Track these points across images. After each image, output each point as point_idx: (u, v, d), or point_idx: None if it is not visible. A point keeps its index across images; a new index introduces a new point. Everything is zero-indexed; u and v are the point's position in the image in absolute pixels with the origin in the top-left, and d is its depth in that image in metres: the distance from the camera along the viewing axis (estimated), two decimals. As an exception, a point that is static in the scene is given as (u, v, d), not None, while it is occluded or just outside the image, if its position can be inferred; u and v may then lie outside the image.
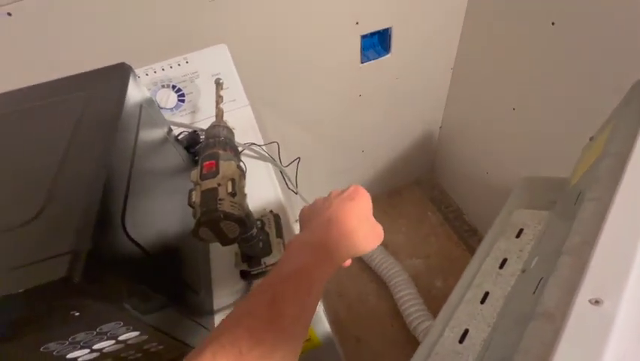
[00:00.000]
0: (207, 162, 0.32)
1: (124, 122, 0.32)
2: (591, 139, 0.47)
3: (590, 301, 0.24)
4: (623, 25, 0.53)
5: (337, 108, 0.94)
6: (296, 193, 0.67)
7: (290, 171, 0.70)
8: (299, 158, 0.71)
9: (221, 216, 0.29)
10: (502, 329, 0.37)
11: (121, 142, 0.31)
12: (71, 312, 0.22)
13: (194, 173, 0.32)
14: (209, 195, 0.30)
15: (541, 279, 0.32)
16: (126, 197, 0.29)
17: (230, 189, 0.30)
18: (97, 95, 0.35)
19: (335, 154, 1.07)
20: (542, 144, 0.78)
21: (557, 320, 0.25)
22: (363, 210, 0.30)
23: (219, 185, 0.30)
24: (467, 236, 1.17)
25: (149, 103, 0.43)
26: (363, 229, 0.29)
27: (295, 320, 0.23)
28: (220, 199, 0.29)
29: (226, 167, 0.32)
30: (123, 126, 0.32)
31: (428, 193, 1.33)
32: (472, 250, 1.14)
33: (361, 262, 1.16)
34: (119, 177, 0.29)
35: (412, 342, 0.97)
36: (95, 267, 0.22)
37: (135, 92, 0.37)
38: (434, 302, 1.04)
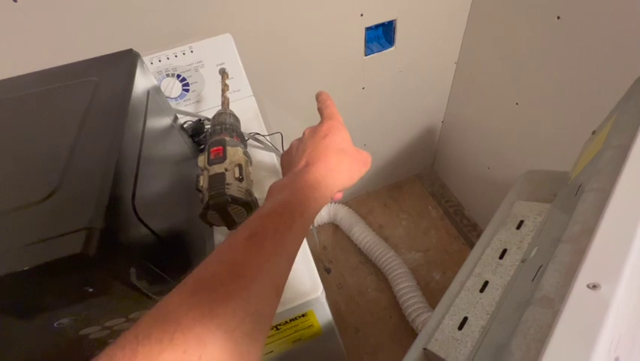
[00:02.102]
0: (215, 148, 0.32)
1: (133, 107, 0.33)
2: (594, 133, 0.48)
3: (587, 285, 0.24)
4: (628, 20, 0.54)
5: (340, 101, 0.93)
6: (299, 184, 0.68)
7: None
8: (302, 149, 0.71)
9: (229, 200, 0.29)
10: (500, 317, 0.38)
11: (130, 126, 0.31)
12: (85, 288, 0.23)
13: (202, 158, 0.33)
14: (217, 180, 0.30)
15: (540, 267, 0.32)
16: (136, 180, 0.29)
17: (237, 174, 0.31)
18: (106, 81, 0.35)
19: (337, 147, 1.07)
20: (544, 139, 0.78)
21: (555, 303, 0.26)
22: (340, 144, 0.29)
23: (226, 170, 0.31)
24: (467, 231, 1.18)
25: (156, 90, 0.43)
26: (344, 164, 0.28)
27: (275, 254, 0.22)
28: (227, 184, 0.30)
29: (233, 153, 0.32)
30: (132, 111, 0.33)
31: (429, 188, 1.34)
32: (471, 245, 1.15)
33: (361, 255, 1.17)
34: (129, 160, 0.29)
35: (410, 333, 0.99)
36: (109, 244, 0.23)
37: (143, 79, 0.38)
38: (432, 295, 1.05)
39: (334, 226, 1.27)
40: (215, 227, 0.50)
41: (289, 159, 0.30)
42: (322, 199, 0.27)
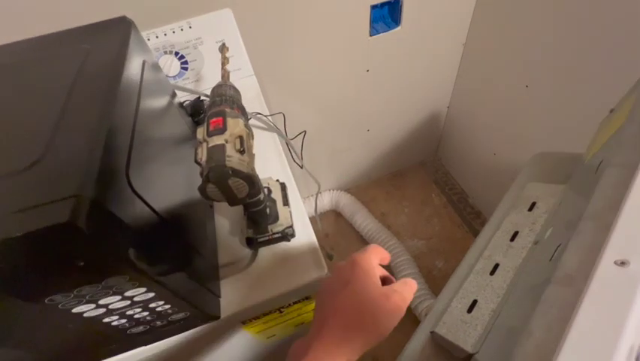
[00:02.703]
0: (214, 119, 0.30)
1: (126, 75, 0.31)
2: (611, 111, 0.45)
3: (615, 262, 0.23)
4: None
5: (344, 83, 0.91)
6: (301, 167, 0.66)
7: (295, 146, 0.68)
8: (305, 131, 0.69)
9: (230, 172, 0.27)
10: (512, 299, 0.36)
11: (124, 95, 0.29)
12: (76, 261, 0.21)
13: (200, 130, 0.31)
14: (217, 152, 0.28)
15: (558, 246, 0.31)
16: (130, 150, 0.27)
17: (238, 146, 0.29)
18: (98, 48, 0.33)
19: (340, 131, 1.05)
20: (555, 123, 0.76)
21: (578, 282, 0.24)
22: (362, 293, 0.26)
23: (227, 142, 0.29)
24: (470, 219, 1.17)
25: (152, 61, 0.41)
26: (367, 320, 0.25)
27: None
28: (228, 156, 0.28)
29: (233, 124, 0.30)
30: (126, 80, 0.31)
31: (432, 175, 1.32)
32: (475, 232, 1.13)
33: (364, 242, 1.16)
34: (122, 129, 0.27)
35: (413, 320, 0.98)
36: (100, 214, 0.21)
37: (137, 47, 0.35)
38: (435, 282, 1.04)
39: (336, 214, 1.26)
40: (216, 210, 0.48)
41: (319, 300, 0.28)
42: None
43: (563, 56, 0.67)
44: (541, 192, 0.47)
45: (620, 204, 0.26)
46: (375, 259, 0.29)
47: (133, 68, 0.33)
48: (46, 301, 0.23)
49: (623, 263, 0.23)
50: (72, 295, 0.24)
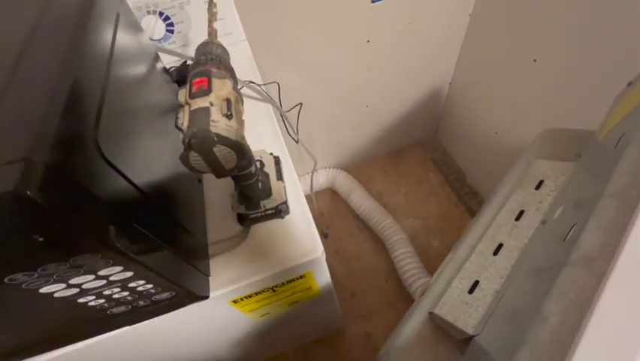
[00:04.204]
0: (197, 79, 0.27)
1: (94, 26, 0.27)
2: (630, 84, 0.42)
3: (643, 243, 0.21)
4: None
5: (343, 55, 0.86)
6: (297, 142, 0.63)
7: (290, 119, 0.65)
8: (301, 103, 0.65)
9: (215, 138, 0.24)
10: (517, 281, 0.35)
11: (91, 49, 0.25)
12: (33, 236, 0.18)
13: (182, 92, 0.27)
14: (200, 115, 0.25)
15: (573, 226, 0.29)
16: (99, 114, 0.24)
17: (224, 110, 0.25)
18: (61, -7, 0.28)
19: (337, 106, 1.01)
20: (562, 100, 0.73)
21: (599, 264, 0.22)
22: None
23: (212, 105, 0.26)
24: (467, 198, 1.15)
25: (130, 17, 0.36)
26: None
27: None
28: (213, 120, 0.25)
29: (220, 85, 0.27)
30: (93, 32, 0.26)
31: (430, 154, 1.29)
32: (471, 212, 1.12)
33: (359, 220, 1.15)
34: (90, 90, 0.24)
35: (407, 298, 0.99)
36: (60, 183, 0.18)
37: (109, -5, 0.31)
38: (430, 261, 1.04)
39: (332, 192, 1.24)
40: (205, 185, 0.45)
41: None
42: None
43: (575, 27, 0.63)
44: (549, 170, 0.44)
45: (647, 180, 0.23)
46: None
47: (103, 19, 0.29)
48: (5, 280, 0.21)
49: (651, 245, 0.21)
50: (36, 275, 0.21)
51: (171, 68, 0.55)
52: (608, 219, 0.24)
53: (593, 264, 0.22)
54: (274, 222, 0.41)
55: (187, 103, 0.26)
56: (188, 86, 0.27)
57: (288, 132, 0.61)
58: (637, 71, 0.41)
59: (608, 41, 0.59)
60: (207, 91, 0.26)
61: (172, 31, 0.59)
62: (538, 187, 0.43)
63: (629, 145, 0.28)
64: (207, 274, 0.38)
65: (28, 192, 0.16)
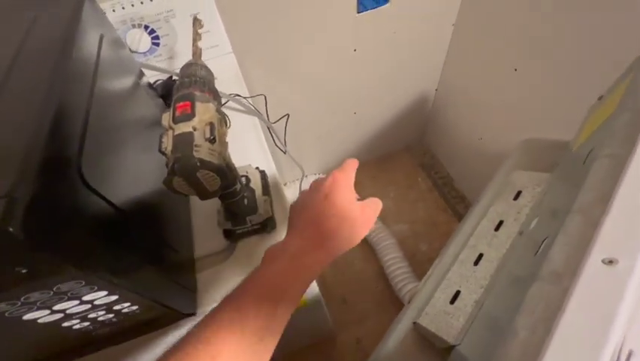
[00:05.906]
0: (181, 104, 0.27)
1: (79, 49, 0.27)
2: (600, 98, 0.44)
3: (603, 260, 0.22)
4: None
5: (330, 64, 0.87)
6: (284, 152, 0.63)
7: (278, 130, 0.65)
8: (288, 114, 0.66)
9: (198, 164, 0.25)
10: (496, 291, 0.36)
11: (75, 73, 0.26)
12: (16, 268, 0.19)
13: (166, 116, 0.28)
14: (184, 140, 0.25)
15: (544, 239, 0.30)
16: (83, 139, 0.24)
17: (207, 135, 0.26)
18: (44, 17, 0.29)
19: (325, 114, 1.02)
20: (542, 109, 0.75)
21: (565, 280, 0.23)
22: (341, 207, 0.29)
23: (195, 129, 0.26)
24: (455, 203, 1.17)
25: (113, 36, 0.36)
26: (342, 232, 0.28)
27: (261, 329, 0.23)
28: (196, 145, 0.25)
29: (203, 109, 0.27)
30: (78, 55, 0.27)
31: (419, 159, 1.31)
32: (459, 216, 1.15)
33: (349, 226, 1.16)
34: (74, 114, 0.24)
35: (396, 303, 1.00)
36: (41, 216, 0.19)
37: (93, 18, 0.31)
38: (419, 266, 1.05)
39: (322, 198, 1.24)
40: (192, 200, 0.45)
41: (294, 213, 0.31)
42: (320, 267, 0.28)
43: (553, 40, 0.66)
44: (526, 181, 0.46)
45: (609, 198, 0.25)
46: (353, 176, 0.33)
47: (87, 42, 0.29)
48: (-12, 310, 0.21)
49: (610, 262, 0.22)
50: (19, 303, 0.21)
51: (157, 81, 0.55)
52: (574, 236, 0.25)
53: (560, 280, 0.24)
54: (261, 236, 0.42)
55: (170, 127, 0.27)
56: (171, 109, 0.28)
57: (276, 144, 0.62)
58: (609, 84, 0.43)
59: (583, 55, 0.62)
60: (190, 115, 0.27)
61: (158, 44, 0.59)
62: (516, 198, 0.45)
63: (596, 161, 0.30)
64: (194, 291, 0.38)
65: (11, 229, 0.16)
